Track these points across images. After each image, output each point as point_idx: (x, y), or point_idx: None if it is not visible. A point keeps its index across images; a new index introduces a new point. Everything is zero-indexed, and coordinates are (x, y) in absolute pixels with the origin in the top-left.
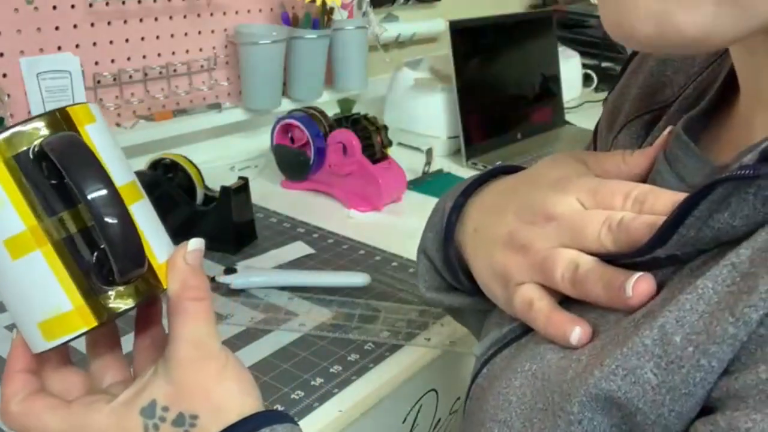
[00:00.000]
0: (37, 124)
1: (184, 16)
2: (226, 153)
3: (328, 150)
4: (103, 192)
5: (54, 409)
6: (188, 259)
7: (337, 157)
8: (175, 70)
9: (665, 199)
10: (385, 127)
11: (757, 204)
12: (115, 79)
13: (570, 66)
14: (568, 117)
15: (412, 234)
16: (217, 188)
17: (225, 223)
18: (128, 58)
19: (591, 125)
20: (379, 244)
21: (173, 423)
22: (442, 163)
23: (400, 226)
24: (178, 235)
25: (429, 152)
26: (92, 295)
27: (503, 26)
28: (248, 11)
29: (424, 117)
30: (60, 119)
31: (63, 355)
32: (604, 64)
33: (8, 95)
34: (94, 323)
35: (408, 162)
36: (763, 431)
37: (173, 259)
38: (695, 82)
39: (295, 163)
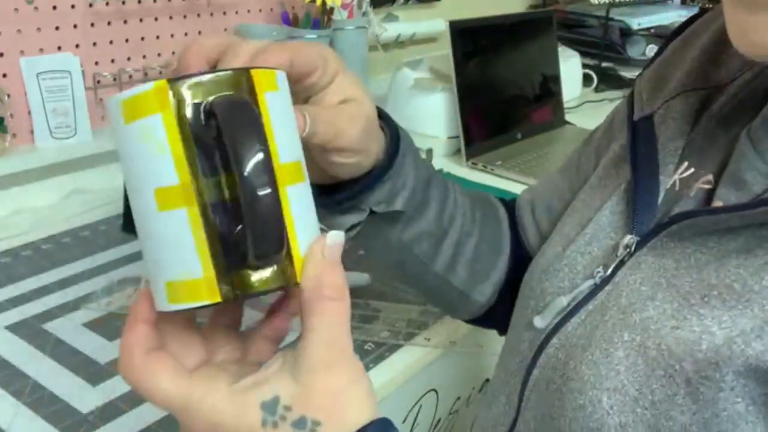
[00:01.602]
0: (218, 80)
1: (184, 16)
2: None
3: None
4: (256, 166)
5: (174, 376)
6: (326, 254)
7: None
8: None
9: None
10: None
11: None
12: (115, 79)
13: (570, 66)
14: (568, 117)
15: None
16: None
17: None
18: (128, 58)
19: (591, 125)
20: None
21: (293, 424)
22: (442, 163)
23: None
24: None
25: (429, 152)
26: (224, 270)
27: (503, 26)
28: (248, 11)
29: (424, 117)
30: (242, 80)
31: (189, 317)
32: (604, 64)
33: (8, 95)
34: (218, 299)
35: None
36: None
37: (310, 252)
38: (753, 70)
39: None
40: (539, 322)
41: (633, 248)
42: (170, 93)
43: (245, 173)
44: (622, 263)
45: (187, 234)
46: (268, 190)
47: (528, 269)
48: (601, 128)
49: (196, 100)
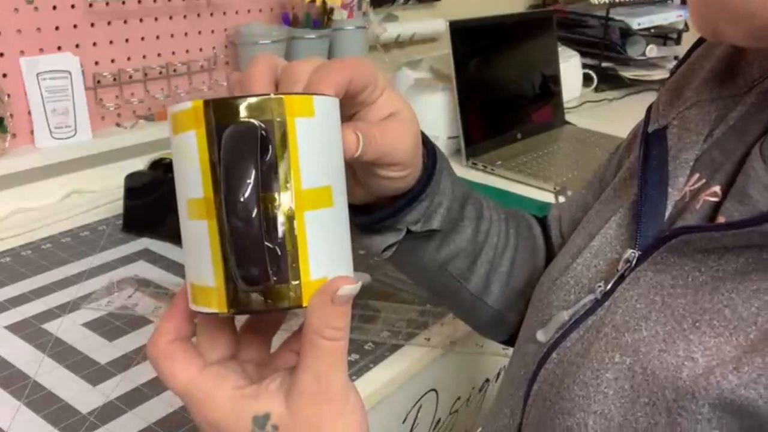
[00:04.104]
0: (251, 103)
1: (184, 16)
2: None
3: None
4: (238, 203)
5: (188, 367)
6: (336, 301)
7: None
8: (175, 70)
9: None
10: None
11: None
12: (115, 79)
13: (570, 66)
14: (568, 117)
15: None
16: None
17: None
18: (128, 58)
19: (591, 125)
20: None
21: None
22: None
23: None
24: (178, 235)
25: None
26: (230, 284)
27: (503, 26)
28: (248, 11)
29: (424, 117)
30: (273, 106)
31: (230, 318)
32: (604, 64)
33: (8, 95)
34: (224, 310)
35: None
36: None
37: (322, 294)
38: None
39: None
40: (541, 336)
41: (634, 263)
42: (204, 113)
43: (228, 197)
44: (622, 278)
45: (206, 244)
46: (247, 226)
47: (540, 280)
48: (626, 139)
49: (223, 122)
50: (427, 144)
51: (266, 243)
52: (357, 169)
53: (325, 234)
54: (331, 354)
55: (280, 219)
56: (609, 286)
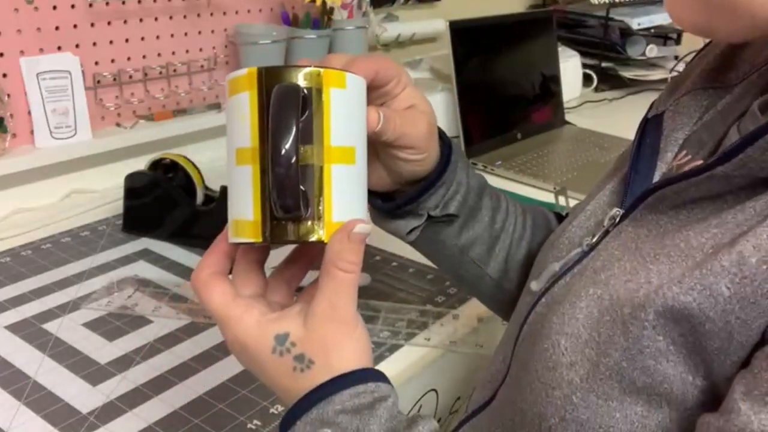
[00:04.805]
0: (295, 72)
1: (184, 16)
2: (226, 153)
3: None
4: (280, 145)
5: (223, 295)
6: (351, 237)
7: None
8: (175, 70)
9: None
10: None
11: None
12: (115, 79)
13: (570, 66)
14: (568, 117)
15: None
16: (217, 188)
17: (225, 223)
18: (128, 58)
19: (591, 125)
20: (379, 244)
21: (295, 358)
22: None
23: None
24: (178, 235)
25: None
26: (266, 218)
27: (503, 26)
28: (248, 11)
29: None
30: (314, 75)
31: (260, 258)
32: (604, 64)
33: (8, 95)
34: (260, 240)
35: None
36: None
37: (340, 232)
38: (760, 71)
39: None
40: (535, 285)
41: (617, 220)
42: (257, 78)
43: (273, 148)
44: (607, 233)
45: (249, 186)
46: (287, 164)
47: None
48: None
49: (272, 85)
50: (444, 138)
51: (300, 185)
52: (381, 154)
53: (347, 185)
54: (344, 283)
55: (312, 167)
56: (594, 240)
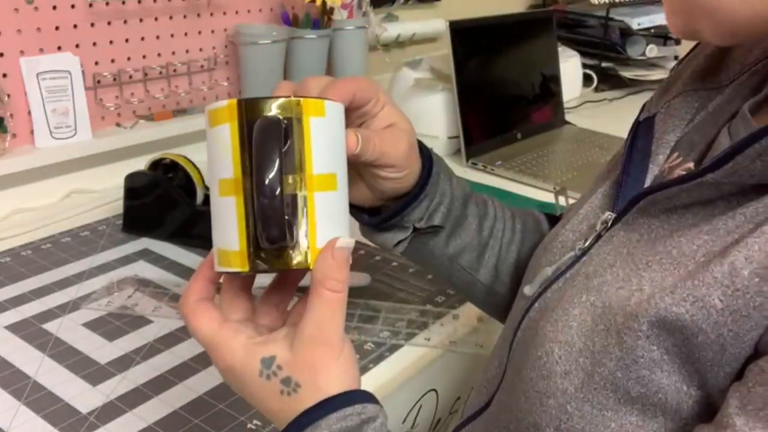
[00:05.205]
0: (274, 103)
1: (184, 16)
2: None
3: None
4: (267, 176)
5: (210, 322)
6: (335, 255)
7: None
8: (175, 70)
9: None
10: None
11: None
12: (115, 79)
13: (570, 66)
14: (568, 117)
15: None
16: None
17: None
18: (128, 58)
19: (591, 125)
20: None
21: (281, 381)
22: None
23: None
24: (178, 234)
25: None
26: (252, 248)
27: (503, 26)
28: (248, 11)
29: (424, 117)
30: (292, 106)
31: (246, 284)
32: (604, 64)
33: (8, 95)
34: (246, 269)
35: None
36: None
37: (323, 252)
38: (750, 71)
39: None
40: (528, 290)
41: (609, 224)
42: (237, 110)
43: (258, 180)
44: (599, 237)
45: (233, 217)
46: (271, 196)
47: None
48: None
49: (253, 117)
50: (423, 150)
51: (285, 215)
52: (363, 173)
53: (330, 211)
54: (332, 303)
55: (296, 196)
56: (587, 244)
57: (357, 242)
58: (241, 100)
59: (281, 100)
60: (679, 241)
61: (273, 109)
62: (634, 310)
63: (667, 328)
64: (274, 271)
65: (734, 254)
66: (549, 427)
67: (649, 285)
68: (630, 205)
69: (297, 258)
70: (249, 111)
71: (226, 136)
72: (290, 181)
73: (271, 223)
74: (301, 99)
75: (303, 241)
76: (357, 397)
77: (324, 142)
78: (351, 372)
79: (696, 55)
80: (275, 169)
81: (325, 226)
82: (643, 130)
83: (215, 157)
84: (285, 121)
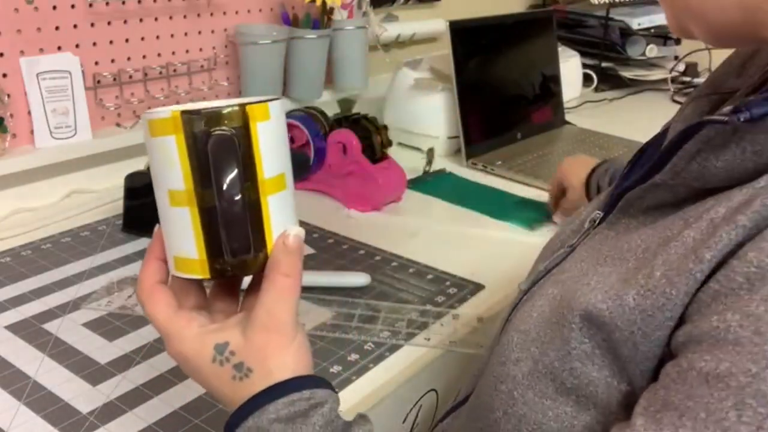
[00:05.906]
0: (222, 113)
1: (184, 16)
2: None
3: (327, 150)
4: (230, 196)
5: (165, 307)
6: (287, 243)
7: (337, 157)
8: (175, 70)
9: None
10: (385, 127)
11: (737, 151)
12: (115, 79)
13: (570, 66)
14: (568, 117)
15: (413, 234)
16: None
17: None
18: (128, 58)
19: (591, 125)
20: (379, 244)
21: (234, 367)
22: (441, 163)
23: (400, 226)
24: None
25: (430, 152)
26: (211, 257)
27: (503, 26)
28: (248, 11)
29: (424, 117)
30: (239, 114)
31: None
32: (604, 64)
33: (8, 95)
34: (207, 276)
35: (408, 162)
36: (713, 368)
37: (277, 243)
38: (762, 75)
39: (295, 163)
40: (523, 285)
41: (597, 222)
42: (182, 122)
43: (221, 192)
44: (587, 235)
45: (189, 226)
46: (238, 211)
47: None
48: None
49: (200, 130)
50: None
51: (247, 226)
52: None
53: (282, 209)
54: (285, 290)
55: (251, 203)
56: (575, 241)
57: (357, 242)
58: (184, 111)
59: (227, 110)
60: (631, 238)
61: (219, 120)
62: (571, 304)
63: (594, 322)
64: (236, 275)
65: (657, 258)
66: (499, 411)
67: (595, 279)
68: (612, 205)
69: (256, 261)
70: (195, 123)
71: (172, 148)
72: (246, 191)
73: (234, 237)
74: (246, 105)
75: (261, 245)
76: (308, 382)
77: (271, 144)
78: (304, 358)
79: (726, 60)
80: (235, 183)
81: (279, 224)
82: (659, 138)
83: (161, 168)
84: (233, 131)
